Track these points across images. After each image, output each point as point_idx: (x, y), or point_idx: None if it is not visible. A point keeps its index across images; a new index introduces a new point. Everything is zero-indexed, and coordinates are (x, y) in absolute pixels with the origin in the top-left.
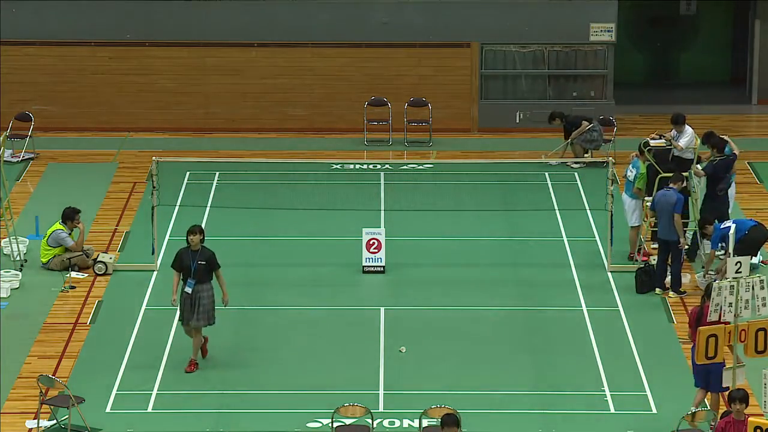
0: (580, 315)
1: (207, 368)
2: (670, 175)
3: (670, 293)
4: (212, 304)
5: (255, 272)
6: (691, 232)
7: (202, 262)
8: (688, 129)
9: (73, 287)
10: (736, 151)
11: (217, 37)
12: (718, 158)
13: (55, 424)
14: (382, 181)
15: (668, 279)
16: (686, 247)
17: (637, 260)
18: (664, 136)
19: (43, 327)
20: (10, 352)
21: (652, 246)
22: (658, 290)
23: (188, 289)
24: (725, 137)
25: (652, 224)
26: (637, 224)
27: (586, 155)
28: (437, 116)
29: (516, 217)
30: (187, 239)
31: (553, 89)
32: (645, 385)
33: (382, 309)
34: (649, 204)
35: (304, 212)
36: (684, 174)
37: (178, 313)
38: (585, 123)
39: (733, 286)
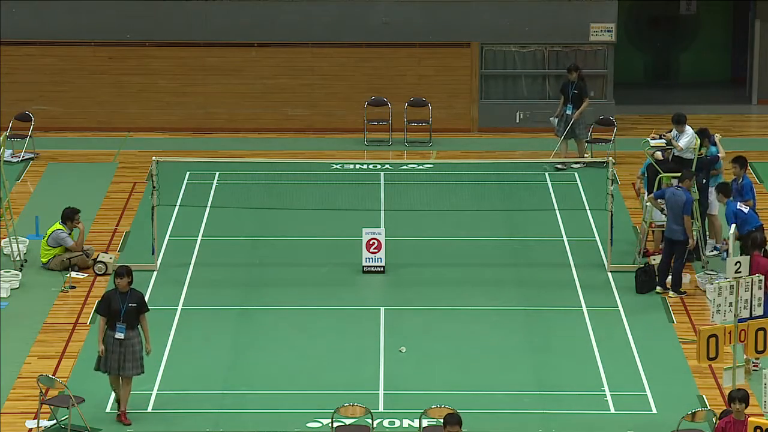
0: (580, 315)
1: (207, 368)
2: (674, 175)
3: (670, 293)
4: (141, 351)
5: (255, 272)
6: (695, 232)
7: (133, 305)
8: (689, 129)
9: (73, 287)
10: (721, 154)
11: (217, 37)
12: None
13: (55, 424)
14: (382, 181)
15: (669, 279)
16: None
17: (637, 260)
18: (664, 136)
19: (43, 327)
20: (10, 352)
21: (661, 245)
22: (658, 289)
23: (120, 335)
24: (716, 137)
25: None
26: (653, 219)
27: (586, 154)
28: (437, 116)
29: (516, 217)
30: (114, 282)
31: (553, 89)
32: (645, 385)
33: (382, 309)
34: (649, 197)
35: (304, 212)
36: (692, 172)
37: (98, 361)
38: (586, 101)
39: (732, 285)
